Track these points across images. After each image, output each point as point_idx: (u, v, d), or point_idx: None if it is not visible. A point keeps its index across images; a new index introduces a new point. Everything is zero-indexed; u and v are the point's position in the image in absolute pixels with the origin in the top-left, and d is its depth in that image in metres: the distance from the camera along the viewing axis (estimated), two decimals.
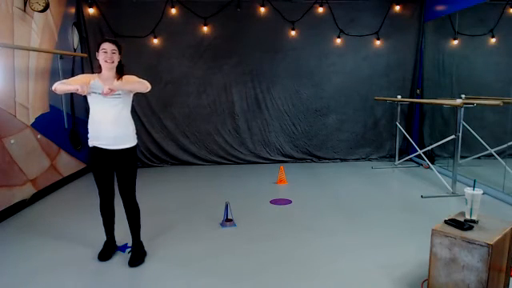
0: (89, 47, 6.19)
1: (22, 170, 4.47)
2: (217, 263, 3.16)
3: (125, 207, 3.16)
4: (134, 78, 3.07)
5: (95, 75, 3.03)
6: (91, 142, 3.06)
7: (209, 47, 6.46)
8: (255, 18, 6.44)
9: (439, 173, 5.42)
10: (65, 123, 5.52)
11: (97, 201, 3.22)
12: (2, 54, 4.19)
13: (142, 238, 3.26)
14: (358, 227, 3.89)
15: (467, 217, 2.63)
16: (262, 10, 6.38)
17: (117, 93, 2.92)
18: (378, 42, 6.61)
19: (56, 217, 4.23)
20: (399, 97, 6.32)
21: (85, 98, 3.05)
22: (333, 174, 6.05)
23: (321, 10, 6.45)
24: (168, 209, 4.47)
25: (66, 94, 5.43)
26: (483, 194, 2.75)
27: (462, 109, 4.74)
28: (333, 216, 4.21)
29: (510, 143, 4.88)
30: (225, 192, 5.03)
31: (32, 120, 4.73)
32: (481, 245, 2.32)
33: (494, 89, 5.41)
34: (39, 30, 4.90)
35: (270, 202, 4.70)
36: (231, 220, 3.95)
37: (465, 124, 5.15)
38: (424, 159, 5.93)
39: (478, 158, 5.62)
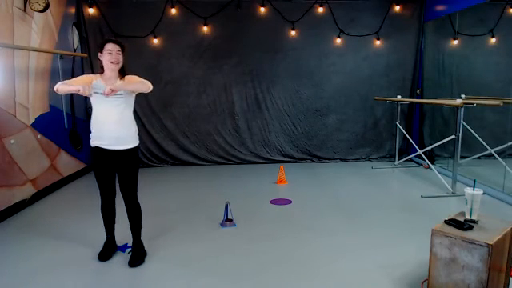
0: (89, 47, 6.19)
1: (22, 170, 4.47)
2: (217, 263, 3.16)
3: (126, 207, 3.16)
4: (135, 78, 3.06)
5: (98, 75, 3.03)
6: (93, 142, 3.06)
7: (209, 47, 6.46)
8: (255, 18, 6.44)
9: (439, 173, 5.42)
10: (65, 123, 5.52)
11: (97, 201, 3.22)
12: (2, 53, 4.19)
13: (142, 238, 3.26)
14: (358, 227, 3.89)
15: (467, 217, 2.63)
16: (262, 9, 6.38)
17: (119, 93, 2.91)
18: (377, 42, 6.61)
19: (56, 217, 4.23)
20: (399, 97, 6.32)
21: (85, 98, 3.05)
22: (333, 173, 6.05)
23: (321, 10, 6.45)
24: (168, 209, 4.47)
25: (66, 94, 5.42)
26: (483, 194, 2.75)
27: (462, 109, 4.74)
28: (333, 216, 4.21)
29: (510, 143, 4.88)
30: (225, 192, 5.03)
31: (32, 120, 4.73)
32: (481, 245, 2.32)
33: (493, 89, 5.41)
34: (39, 30, 4.90)
35: (270, 202, 4.70)
36: (231, 220, 3.95)
37: (465, 124, 5.15)
38: (424, 159, 5.93)
39: (478, 158, 5.62)
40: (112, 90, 2.76)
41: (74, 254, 3.31)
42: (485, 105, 4.85)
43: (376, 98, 6.57)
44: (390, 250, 3.36)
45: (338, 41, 6.57)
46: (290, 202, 4.70)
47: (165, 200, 4.79)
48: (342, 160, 6.84)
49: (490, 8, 5.36)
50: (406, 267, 3.03)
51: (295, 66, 6.61)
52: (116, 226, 3.30)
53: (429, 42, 6.53)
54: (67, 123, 5.56)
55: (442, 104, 5.46)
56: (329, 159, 6.83)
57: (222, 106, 6.63)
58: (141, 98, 6.13)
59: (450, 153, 5.43)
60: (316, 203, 4.65)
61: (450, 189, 4.91)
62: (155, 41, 6.32)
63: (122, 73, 3.04)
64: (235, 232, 3.80)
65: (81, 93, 2.72)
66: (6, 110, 4.24)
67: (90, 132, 3.10)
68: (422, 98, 6.58)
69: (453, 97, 5.70)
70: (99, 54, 2.97)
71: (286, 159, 6.76)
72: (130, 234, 3.22)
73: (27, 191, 4.56)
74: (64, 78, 5.39)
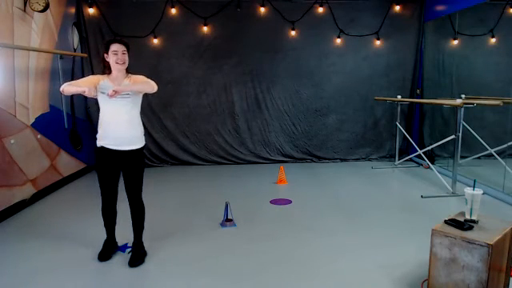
0: (89, 47, 6.19)
1: (22, 170, 4.47)
2: (217, 263, 3.16)
3: (131, 207, 3.16)
4: (141, 78, 3.06)
5: (105, 75, 3.03)
6: (99, 142, 3.04)
7: (209, 47, 6.46)
8: (255, 17, 6.44)
9: (439, 173, 5.42)
10: (65, 123, 5.52)
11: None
12: (2, 53, 4.19)
13: (143, 238, 3.26)
14: (358, 227, 3.89)
15: (467, 217, 2.63)
16: (262, 9, 6.38)
17: (126, 93, 2.91)
18: (378, 42, 6.61)
19: (56, 217, 4.23)
20: (399, 97, 6.32)
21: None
22: (333, 173, 6.05)
23: (321, 10, 6.45)
24: (168, 209, 4.47)
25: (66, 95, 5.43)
26: (483, 194, 2.75)
27: (462, 109, 4.74)
28: (333, 216, 4.21)
29: (510, 143, 4.88)
30: (225, 192, 5.03)
31: (32, 120, 4.73)
32: (481, 245, 2.32)
33: (493, 89, 5.41)
34: (39, 30, 4.90)
35: (270, 202, 4.70)
36: (231, 220, 3.95)
37: (465, 124, 5.15)
38: (424, 159, 5.93)
39: (478, 158, 5.62)
40: (116, 92, 2.75)
41: (74, 254, 3.31)
42: (485, 105, 4.85)
43: (376, 98, 6.57)
44: (390, 250, 3.36)
45: (338, 41, 6.57)
46: (290, 201, 4.70)
47: (165, 200, 4.79)
48: (342, 160, 6.84)
49: (490, 8, 5.36)
50: (406, 267, 3.03)
51: (295, 66, 6.61)
52: (116, 225, 3.30)
53: (429, 42, 6.53)
54: (67, 123, 5.56)
55: (441, 104, 5.46)
56: (329, 159, 6.83)
57: (222, 105, 6.63)
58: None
59: (450, 153, 5.43)
60: (316, 203, 4.65)
61: (450, 189, 4.91)
62: (155, 41, 6.32)
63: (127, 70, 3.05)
64: (235, 232, 3.80)
65: (86, 94, 2.72)
66: (6, 110, 4.23)
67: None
68: (422, 98, 6.58)
69: (453, 97, 5.70)
70: (105, 55, 2.97)
71: (285, 159, 6.76)
72: (130, 234, 3.22)
73: (27, 191, 4.56)
74: (64, 78, 5.40)
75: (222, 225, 3.93)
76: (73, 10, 5.93)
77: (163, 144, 6.56)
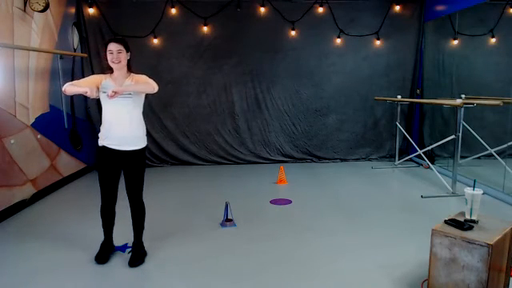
0: (89, 47, 6.19)
1: (22, 170, 4.47)
2: (217, 263, 3.16)
3: (131, 208, 3.16)
4: (143, 78, 3.05)
5: (107, 75, 3.03)
6: (101, 142, 3.04)
7: (209, 47, 6.46)
8: (255, 18, 6.44)
9: (439, 173, 5.42)
10: (65, 123, 5.52)
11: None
12: (2, 53, 4.19)
13: (142, 237, 3.26)
14: (358, 227, 3.89)
15: (467, 217, 2.63)
16: (262, 10, 6.38)
17: (128, 93, 2.91)
18: (378, 42, 6.61)
19: (56, 217, 4.23)
20: (399, 97, 6.32)
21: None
22: (333, 173, 6.05)
23: (321, 10, 6.45)
24: (168, 209, 4.47)
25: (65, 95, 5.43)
26: (483, 194, 2.75)
27: (462, 109, 4.74)
28: (333, 216, 4.21)
29: (510, 143, 4.88)
30: (225, 192, 5.03)
31: (32, 120, 4.73)
32: (481, 245, 2.32)
33: (493, 89, 5.41)
34: (39, 30, 4.90)
35: (270, 202, 4.70)
36: (231, 220, 3.95)
37: (465, 124, 5.15)
38: (424, 159, 5.93)
39: (478, 158, 5.62)
40: (115, 93, 2.75)
41: (74, 253, 3.31)
42: (485, 105, 4.85)
43: (376, 98, 6.57)
44: (390, 250, 3.36)
45: (338, 41, 6.57)
46: (290, 201, 4.70)
47: (165, 200, 4.79)
48: (342, 160, 6.84)
49: (490, 8, 5.36)
50: (406, 267, 3.03)
51: (295, 66, 6.61)
52: (116, 226, 3.29)
53: (429, 41, 6.53)
54: (67, 123, 5.56)
55: (442, 104, 5.46)
56: (329, 159, 6.83)
57: (222, 105, 6.63)
58: None
59: (450, 153, 5.43)
60: (316, 203, 4.65)
61: (450, 189, 4.91)
62: (155, 41, 6.32)
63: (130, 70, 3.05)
64: (235, 232, 3.80)
65: (88, 94, 2.72)
66: (6, 110, 4.23)
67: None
68: (422, 98, 6.58)
69: (453, 97, 5.70)
70: (105, 54, 2.98)
71: (285, 159, 6.76)
72: (130, 234, 3.22)
73: (27, 191, 4.56)
74: (64, 78, 5.40)
75: (222, 225, 3.93)
76: (73, 10, 5.93)
77: (163, 144, 6.56)
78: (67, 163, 5.53)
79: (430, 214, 4.19)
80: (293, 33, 6.48)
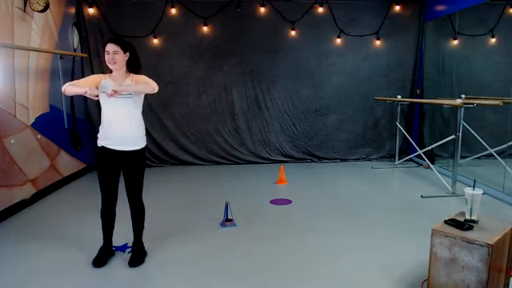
0: (89, 47, 6.19)
1: (22, 170, 4.47)
2: (217, 263, 3.16)
3: (131, 208, 3.15)
4: (143, 78, 3.05)
5: (107, 75, 3.03)
6: (100, 142, 3.03)
7: (209, 47, 6.46)
8: (255, 18, 6.44)
9: (439, 173, 5.42)
10: (65, 123, 5.52)
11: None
12: (2, 54, 4.19)
13: (143, 238, 3.26)
14: (358, 227, 3.89)
15: (467, 217, 2.63)
16: (262, 10, 6.38)
17: (127, 93, 2.91)
18: (378, 42, 6.61)
19: (56, 217, 4.23)
20: (399, 97, 6.32)
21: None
22: (333, 174, 6.05)
23: (321, 10, 6.45)
24: (168, 209, 4.47)
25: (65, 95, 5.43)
26: (483, 194, 2.75)
27: (462, 109, 4.74)
28: (333, 216, 4.21)
29: (510, 143, 4.88)
30: (225, 192, 5.03)
31: (32, 120, 4.73)
32: (481, 245, 2.32)
33: (493, 89, 5.41)
34: (39, 30, 4.90)
35: (270, 202, 4.70)
36: (231, 220, 3.95)
37: (465, 124, 5.15)
38: (424, 159, 5.93)
39: (478, 158, 5.62)
40: (115, 92, 2.75)
41: (74, 253, 3.31)
42: (485, 105, 4.85)
43: (376, 98, 6.57)
44: (390, 250, 3.36)
45: (338, 41, 6.57)
46: (290, 201, 4.70)
47: (165, 200, 4.79)
48: (342, 160, 6.84)
49: (490, 8, 5.36)
50: (406, 267, 3.03)
51: (295, 66, 6.61)
52: (116, 226, 3.28)
53: (429, 41, 6.52)
54: (67, 123, 5.56)
55: (442, 104, 5.46)
56: (329, 159, 6.83)
57: (222, 105, 6.63)
58: None
59: (450, 153, 5.43)
60: (316, 203, 4.65)
61: (450, 189, 4.91)
62: (155, 41, 6.32)
63: (136, 68, 3.04)
64: (235, 232, 3.80)
65: (88, 95, 2.71)
66: (6, 110, 4.23)
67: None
68: (422, 98, 6.58)
69: (453, 97, 5.70)
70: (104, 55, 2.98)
71: (285, 159, 6.76)
72: (130, 234, 3.22)
73: (27, 191, 4.56)
74: (64, 78, 5.40)
75: (222, 225, 3.93)
76: (73, 10, 5.93)
77: (163, 144, 6.56)
78: (67, 163, 5.53)
79: (430, 214, 4.19)
80: (293, 33, 6.48)
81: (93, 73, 5.98)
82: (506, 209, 4.42)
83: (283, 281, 2.89)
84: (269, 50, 6.53)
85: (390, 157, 6.87)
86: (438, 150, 6.18)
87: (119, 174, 3.11)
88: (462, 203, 2.85)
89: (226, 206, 3.97)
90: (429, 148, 5.90)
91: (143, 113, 3.12)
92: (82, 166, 5.92)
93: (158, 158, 6.58)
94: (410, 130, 6.81)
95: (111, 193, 3.12)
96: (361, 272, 2.99)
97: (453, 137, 4.85)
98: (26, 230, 3.85)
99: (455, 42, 5.96)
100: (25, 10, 4.56)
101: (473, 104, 4.87)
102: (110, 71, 3.01)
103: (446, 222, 2.58)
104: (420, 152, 5.82)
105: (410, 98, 6.67)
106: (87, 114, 6.15)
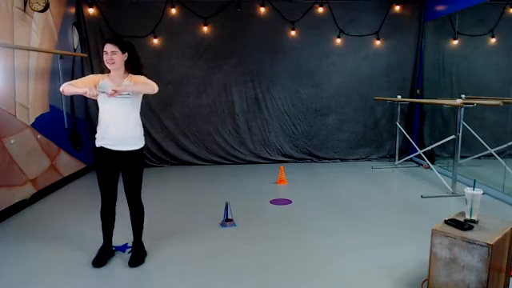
0: (89, 47, 6.19)
1: (22, 170, 4.47)
2: (217, 263, 3.16)
3: (130, 208, 3.15)
4: (142, 79, 3.04)
5: (105, 75, 3.03)
6: (98, 142, 3.03)
7: (209, 47, 6.46)
8: (255, 18, 6.44)
9: (439, 173, 5.42)
10: (65, 123, 5.52)
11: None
12: (2, 53, 4.19)
13: (142, 238, 3.26)
14: (358, 227, 3.89)
15: (467, 217, 2.63)
16: (262, 9, 6.38)
17: (126, 93, 2.91)
18: (378, 42, 6.61)
19: (56, 217, 4.23)
20: (399, 97, 6.32)
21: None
22: (333, 173, 6.05)
23: (321, 9, 6.45)
24: (168, 209, 4.47)
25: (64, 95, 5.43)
26: (483, 194, 2.75)
27: (462, 109, 4.74)
28: (333, 216, 4.21)
29: (510, 143, 4.88)
30: (225, 192, 5.03)
31: (32, 120, 4.73)
32: (481, 245, 2.32)
33: (493, 89, 5.41)
34: (39, 30, 4.90)
35: (270, 202, 4.70)
36: (231, 220, 3.95)
37: (465, 124, 5.15)
38: (424, 159, 5.93)
39: (478, 158, 5.62)
40: (116, 92, 2.75)
41: (74, 253, 3.31)
42: (485, 105, 4.85)
43: (376, 98, 6.57)
44: (390, 250, 3.36)
45: (338, 41, 6.57)
46: (290, 201, 4.70)
47: (165, 200, 4.79)
48: (342, 160, 6.84)
49: (490, 8, 5.36)
50: (406, 267, 3.03)
51: (295, 66, 6.61)
52: (116, 226, 3.28)
53: (429, 41, 6.52)
54: (67, 123, 5.56)
55: (442, 104, 5.46)
56: (329, 159, 6.83)
57: (222, 105, 6.63)
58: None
59: (450, 153, 5.43)
60: (316, 203, 4.65)
61: (450, 189, 4.91)
62: (155, 41, 6.32)
63: (136, 69, 3.04)
64: (235, 232, 3.80)
65: (87, 95, 2.71)
66: (6, 110, 4.23)
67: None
68: (422, 98, 6.58)
69: (453, 97, 5.70)
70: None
71: (285, 159, 6.76)
72: (130, 234, 3.22)
73: (27, 191, 4.56)
74: (64, 78, 5.39)
75: (222, 225, 3.93)
76: (73, 10, 5.93)
77: (163, 144, 6.56)
78: (67, 163, 5.53)
79: (430, 214, 4.19)
80: (293, 33, 6.48)
81: (93, 73, 5.98)
82: (506, 209, 4.42)
83: (283, 281, 2.89)
84: (269, 50, 6.53)
85: (390, 157, 6.87)
86: (438, 150, 6.18)
87: (118, 174, 3.11)
88: (462, 203, 2.85)
89: (225, 206, 3.97)
90: (429, 148, 5.90)
91: (143, 113, 3.12)
92: (81, 165, 5.92)
93: (157, 158, 6.58)
94: (409, 130, 6.81)
95: (110, 193, 3.12)
96: (361, 272, 2.99)
97: (453, 137, 4.85)
98: (25, 230, 3.85)
99: (455, 42, 5.96)
100: (25, 10, 4.56)
101: (473, 104, 4.87)
102: (109, 71, 3.01)
103: (445, 222, 2.58)
104: (420, 152, 5.82)
105: (410, 98, 6.67)
106: (87, 114, 6.15)
